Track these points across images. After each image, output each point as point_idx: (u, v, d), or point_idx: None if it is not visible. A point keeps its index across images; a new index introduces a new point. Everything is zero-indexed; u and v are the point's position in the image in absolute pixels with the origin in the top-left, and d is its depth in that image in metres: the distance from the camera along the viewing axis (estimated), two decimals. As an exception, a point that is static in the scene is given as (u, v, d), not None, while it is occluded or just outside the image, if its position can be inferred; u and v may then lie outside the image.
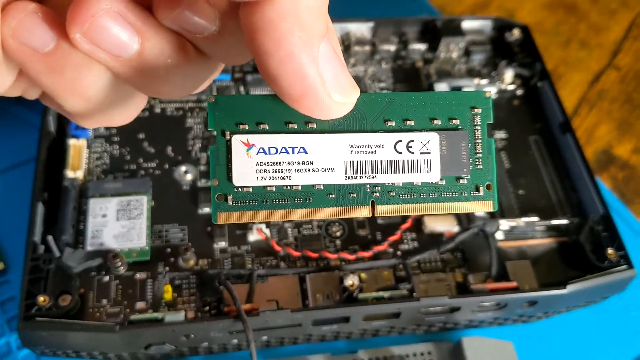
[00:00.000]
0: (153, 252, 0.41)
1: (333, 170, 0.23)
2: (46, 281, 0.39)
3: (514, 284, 0.40)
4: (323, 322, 0.40)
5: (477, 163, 0.24)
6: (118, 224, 0.42)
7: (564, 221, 0.45)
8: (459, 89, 0.50)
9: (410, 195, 0.23)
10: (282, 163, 0.23)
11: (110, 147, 0.46)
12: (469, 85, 0.50)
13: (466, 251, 0.44)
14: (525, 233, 0.45)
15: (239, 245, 0.43)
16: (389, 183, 0.23)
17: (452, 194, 0.23)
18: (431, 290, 0.41)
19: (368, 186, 0.23)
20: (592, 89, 0.61)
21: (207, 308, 0.40)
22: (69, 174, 0.43)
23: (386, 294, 0.39)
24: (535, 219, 0.44)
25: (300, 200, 0.23)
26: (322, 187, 0.23)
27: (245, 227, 0.43)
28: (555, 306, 0.43)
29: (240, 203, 0.23)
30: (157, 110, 0.48)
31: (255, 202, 0.23)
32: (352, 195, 0.23)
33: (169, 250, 0.42)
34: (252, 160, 0.23)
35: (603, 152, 0.57)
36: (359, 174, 0.23)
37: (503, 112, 0.51)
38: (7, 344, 0.43)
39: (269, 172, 0.23)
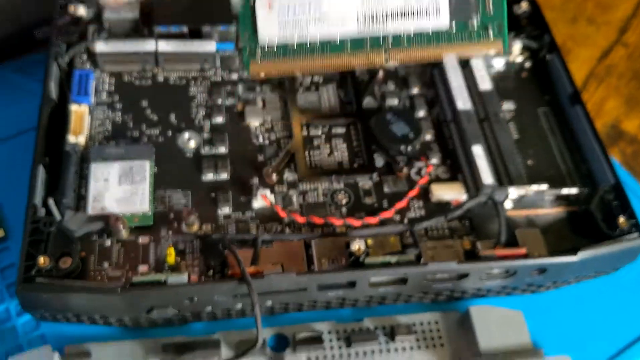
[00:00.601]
0: (156, 218, 0.41)
1: (347, 21, 0.23)
2: (46, 244, 0.38)
3: (523, 250, 0.40)
4: (328, 287, 0.39)
5: (487, 6, 0.23)
6: (120, 189, 0.41)
7: (574, 190, 0.44)
8: (466, 60, 0.49)
9: (422, 40, 0.23)
10: (299, 18, 0.24)
11: (112, 114, 0.45)
12: (477, 55, 0.49)
13: (474, 219, 0.43)
14: (535, 202, 0.44)
15: (243, 211, 0.42)
16: (400, 30, 0.23)
17: (463, 36, 0.23)
18: (438, 257, 0.40)
19: (381, 35, 0.23)
20: (600, 64, 0.60)
21: (210, 272, 0.39)
22: (71, 138, 0.42)
23: (393, 259, 0.38)
24: (544, 187, 0.43)
25: (319, 52, 0.24)
26: (337, 39, 0.23)
27: (250, 194, 0.42)
28: (565, 275, 0.42)
29: (267, 56, 0.24)
30: (160, 79, 0.48)
31: (280, 54, 0.25)
32: (366, 43, 0.23)
33: (172, 215, 0.41)
34: (274, 16, 0.25)
35: (612, 127, 0.56)
36: (371, 24, 0.23)
37: (511, 84, 0.50)
38: (6, 311, 0.42)
39: (288, 26, 0.24)
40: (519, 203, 0.44)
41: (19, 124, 0.49)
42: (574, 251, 0.39)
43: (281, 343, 0.41)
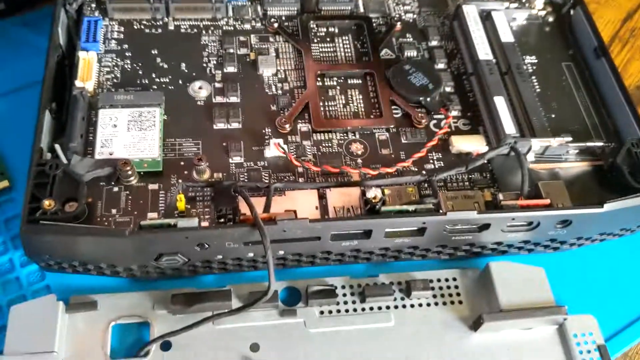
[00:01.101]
0: (166, 165, 0.39)
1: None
2: (52, 187, 0.37)
3: (547, 201, 0.38)
4: (343, 237, 0.37)
5: None
6: (129, 135, 0.40)
7: (599, 143, 0.42)
8: (488, 12, 0.47)
9: None
10: None
11: (121, 61, 0.44)
12: (499, 8, 0.48)
13: (496, 171, 0.41)
14: (559, 156, 0.42)
15: (255, 160, 0.40)
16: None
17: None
18: (458, 207, 0.39)
19: None
20: (624, 26, 0.58)
21: (222, 220, 0.38)
22: (78, 83, 0.41)
23: (411, 208, 0.37)
24: (568, 138, 0.41)
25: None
26: None
27: (262, 143, 0.41)
28: (590, 230, 0.40)
29: None
30: (171, 27, 0.46)
31: None
32: None
33: (182, 163, 0.40)
34: None
35: (637, 88, 0.54)
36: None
37: (533, 38, 0.48)
38: (10, 261, 0.41)
39: None
40: (542, 156, 0.42)
41: (25, 78, 0.48)
42: (600, 203, 0.38)
43: (293, 296, 0.40)
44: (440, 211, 0.38)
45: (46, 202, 0.36)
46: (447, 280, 0.41)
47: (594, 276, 0.43)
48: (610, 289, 0.43)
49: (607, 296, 0.42)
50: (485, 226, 0.38)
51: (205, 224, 0.37)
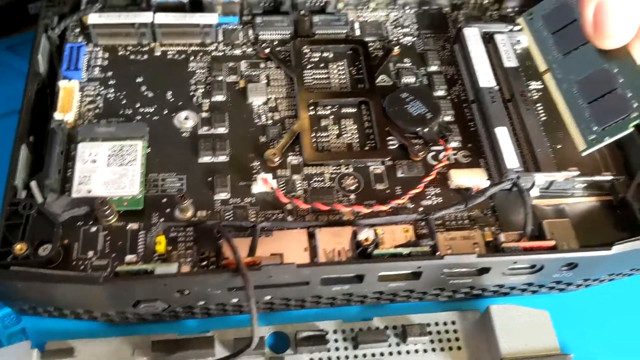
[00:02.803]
0: (147, 202, 0.37)
1: None
2: (25, 228, 0.35)
3: (552, 243, 0.36)
4: (333, 282, 0.35)
5: None
6: (109, 170, 0.38)
7: (608, 177, 0.39)
8: (491, 35, 0.45)
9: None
10: None
11: (104, 90, 0.42)
12: (503, 31, 0.45)
13: (497, 209, 0.39)
14: (565, 190, 0.40)
15: (242, 197, 0.38)
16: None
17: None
18: (456, 249, 0.36)
19: None
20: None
21: (204, 263, 0.36)
22: (57, 116, 0.39)
23: (405, 251, 0.35)
24: (575, 173, 0.38)
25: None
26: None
27: (250, 178, 0.39)
28: (597, 272, 0.38)
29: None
30: (158, 53, 0.44)
31: None
32: None
33: (164, 200, 0.38)
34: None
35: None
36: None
37: (539, 62, 0.46)
38: (-14, 302, 0.39)
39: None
40: (547, 191, 0.39)
41: (7, 105, 0.46)
42: (608, 245, 0.35)
43: (281, 342, 0.38)
44: (437, 254, 0.35)
45: (18, 247, 0.34)
46: (445, 323, 0.39)
47: (603, 319, 0.40)
48: (621, 333, 0.40)
49: (616, 341, 0.40)
50: (485, 270, 0.36)
51: (186, 267, 0.35)
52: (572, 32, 0.40)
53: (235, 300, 0.35)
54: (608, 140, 0.37)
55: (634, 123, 0.36)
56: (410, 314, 0.39)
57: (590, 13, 0.35)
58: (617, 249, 0.35)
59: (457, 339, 0.38)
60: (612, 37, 0.35)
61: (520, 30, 0.45)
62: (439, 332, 0.38)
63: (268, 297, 0.36)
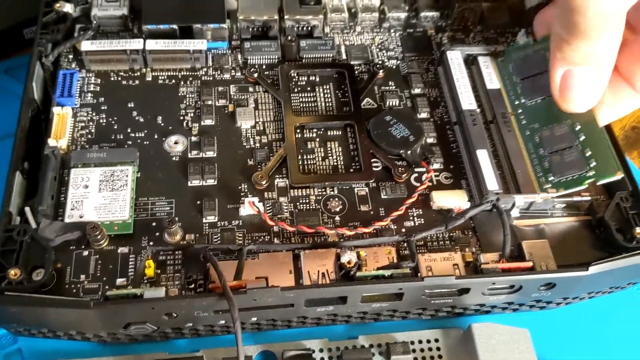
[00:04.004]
0: (137, 226, 0.38)
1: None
2: (19, 254, 0.36)
3: (529, 264, 0.37)
4: (317, 303, 0.36)
5: None
6: (100, 195, 0.39)
7: (587, 198, 0.40)
8: (474, 57, 0.46)
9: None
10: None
11: (97, 116, 0.43)
12: (485, 53, 0.46)
13: (478, 230, 0.40)
14: (544, 211, 0.41)
15: (229, 220, 0.39)
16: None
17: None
18: (437, 270, 0.37)
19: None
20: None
21: (192, 286, 0.37)
22: (51, 142, 0.40)
23: (387, 273, 0.36)
24: (554, 194, 0.39)
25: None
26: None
27: (237, 201, 0.40)
28: (576, 291, 0.39)
29: None
30: (149, 78, 0.45)
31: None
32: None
33: (154, 224, 0.39)
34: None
35: (632, 129, 0.52)
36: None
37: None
38: (-17, 323, 0.40)
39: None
40: (527, 212, 0.40)
41: (4, 128, 0.47)
42: (585, 265, 0.36)
43: (269, 361, 0.39)
44: (419, 275, 0.36)
45: (12, 272, 0.35)
46: (428, 341, 0.40)
47: (582, 336, 0.41)
48: (600, 350, 0.41)
49: (597, 358, 0.41)
50: (465, 290, 0.37)
51: (174, 291, 0.36)
52: (540, 83, 0.41)
53: (222, 321, 0.36)
54: (562, 192, 0.39)
55: (589, 180, 0.38)
56: (395, 332, 0.40)
57: (559, 77, 0.37)
58: (594, 269, 0.36)
59: (440, 357, 0.39)
60: (576, 104, 0.37)
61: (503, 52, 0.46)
62: (422, 350, 0.39)
63: (254, 319, 0.37)
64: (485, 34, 0.49)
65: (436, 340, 0.40)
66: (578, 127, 0.40)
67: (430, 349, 0.39)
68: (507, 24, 0.49)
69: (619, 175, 0.38)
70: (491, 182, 0.40)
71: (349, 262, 0.36)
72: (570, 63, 0.36)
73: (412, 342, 0.40)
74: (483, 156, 0.41)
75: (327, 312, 0.37)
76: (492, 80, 0.45)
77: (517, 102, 0.43)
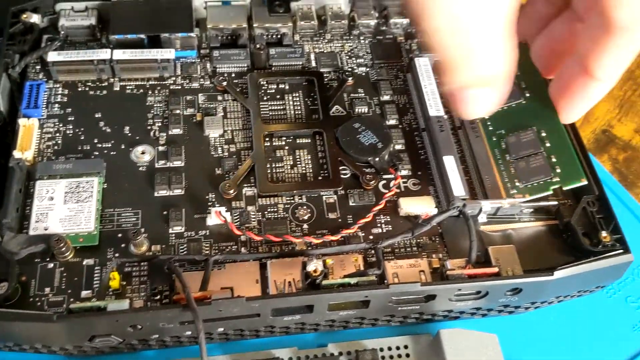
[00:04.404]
0: (103, 238, 0.38)
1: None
2: (-18, 268, 0.36)
3: (495, 269, 0.37)
4: (284, 312, 0.36)
5: None
6: (65, 207, 0.39)
7: (554, 202, 0.40)
8: (442, 63, 0.46)
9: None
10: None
11: (63, 127, 0.43)
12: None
13: (445, 236, 0.40)
14: (511, 216, 0.41)
15: (196, 230, 0.39)
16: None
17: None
18: (403, 277, 0.37)
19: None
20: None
21: (157, 297, 0.36)
22: (16, 154, 0.40)
23: (353, 281, 0.35)
24: (521, 199, 0.39)
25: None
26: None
27: (205, 210, 0.40)
28: (543, 295, 0.39)
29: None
30: (116, 88, 0.45)
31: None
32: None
33: (120, 235, 0.39)
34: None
35: (602, 132, 0.53)
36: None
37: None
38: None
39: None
40: (495, 217, 0.41)
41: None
42: (551, 270, 0.36)
43: (237, 371, 0.39)
44: (385, 282, 0.36)
45: (-27, 286, 0.35)
46: (398, 348, 0.40)
47: (552, 339, 0.42)
48: (570, 353, 0.41)
49: (566, 360, 0.41)
50: (432, 297, 0.37)
51: (139, 302, 0.36)
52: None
53: (188, 332, 0.36)
54: (528, 198, 0.39)
55: (554, 186, 0.39)
56: (365, 339, 0.40)
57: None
58: (559, 274, 0.36)
59: (409, 364, 0.39)
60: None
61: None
62: (392, 357, 0.39)
63: (221, 329, 0.37)
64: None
65: (405, 347, 0.40)
66: (544, 134, 0.40)
67: (399, 356, 0.39)
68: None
69: (583, 182, 0.38)
70: (458, 188, 0.40)
71: (314, 271, 0.36)
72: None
73: (382, 349, 0.40)
74: (450, 162, 0.41)
75: (294, 321, 0.37)
76: (460, 86, 0.45)
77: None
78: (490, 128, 0.42)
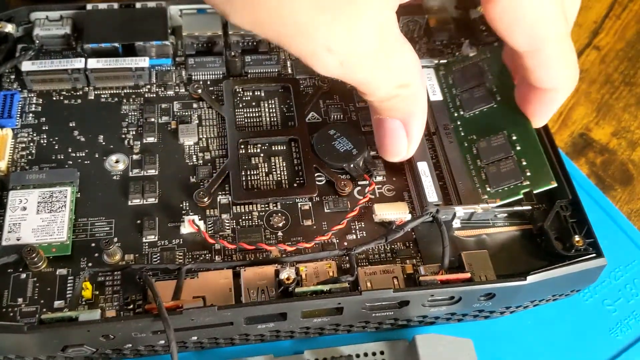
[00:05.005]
0: (76, 247, 0.38)
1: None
2: (-47, 279, 0.36)
3: (467, 275, 0.37)
4: (257, 320, 0.36)
5: None
6: (38, 217, 0.38)
7: (528, 207, 0.41)
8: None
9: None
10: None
11: (37, 136, 0.43)
12: (429, 65, 0.47)
13: (419, 242, 0.40)
14: (486, 221, 0.41)
15: (170, 239, 0.39)
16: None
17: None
18: (377, 283, 0.37)
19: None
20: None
21: (130, 307, 0.36)
22: (-12, 165, 0.40)
23: (326, 288, 0.35)
24: (493, 205, 0.40)
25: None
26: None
27: (178, 219, 0.40)
28: (517, 300, 0.39)
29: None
30: (91, 97, 0.45)
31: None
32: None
33: (93, 245, 0.38)
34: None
35: (580, 136, 0.53)
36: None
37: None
38: None
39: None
40: (468, 222, 0.41)
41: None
42: (524, 275, 0.36)
43: (212, 379, 0.39)
44: (359, 289, 0.36)
45: (-57, 298, 0.34)
46: (374, 354, 0.40)
47: (528, 343, 0.42)
48: (545, 357, 0.41)
49: (542, 365, 0.41)
50: (405, 302, 0.37)
51: (112, 312, 0.36)
52: (477, 94, 0.42)
53: (162, 342, 0.36)
54: (499, 202, 0.39)
55: (525, 190, 0.39)
56: (341, 346, 0.40)
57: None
58: (531, 278, 0.36)
59: (385, 370, 0.39)
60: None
61: (446, 62, 0.47)
62: (367, 363, 0.40)
63: (195, 338, 0.37)
64: (431, 45, 0.49)
65: (382, 353, 0.40)
66: (515, 137, 0.40)
67: (375, 362, 0.40)
68: (453, 35, 0.50)
69: (553, 184, 0.38)
70: (431, 193, 0.40)
71: (287, 278, 0.36)
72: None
73: (358, 355, 0.40)
74: (424, 168, 0.41)
75: (268, 329, 0.37)
76: (435, 92, 0.45)
77: (455, 114, 0.43)
78: (462, 134, 0.42)
